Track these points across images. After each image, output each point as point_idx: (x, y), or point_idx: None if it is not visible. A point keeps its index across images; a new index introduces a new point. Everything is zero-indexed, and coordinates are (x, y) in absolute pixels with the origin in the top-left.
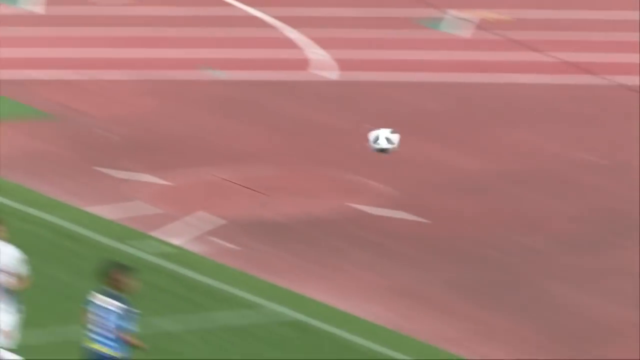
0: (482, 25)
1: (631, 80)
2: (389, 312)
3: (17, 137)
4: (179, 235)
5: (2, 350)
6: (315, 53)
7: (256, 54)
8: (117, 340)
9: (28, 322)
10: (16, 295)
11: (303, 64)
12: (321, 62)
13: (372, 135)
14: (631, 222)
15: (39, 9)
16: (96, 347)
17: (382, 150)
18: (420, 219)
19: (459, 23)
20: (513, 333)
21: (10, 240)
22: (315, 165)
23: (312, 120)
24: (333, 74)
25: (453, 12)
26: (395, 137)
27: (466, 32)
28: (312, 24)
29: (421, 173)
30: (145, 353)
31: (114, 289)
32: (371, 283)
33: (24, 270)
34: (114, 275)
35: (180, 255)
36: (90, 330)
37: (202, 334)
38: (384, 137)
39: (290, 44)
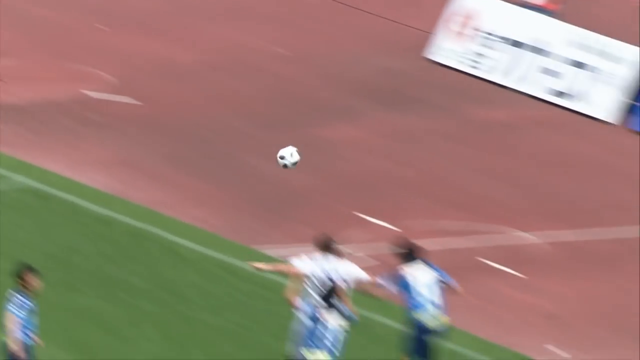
0: None
1: None
2: (114, 181)
3: None
4: None
5: None
6: None
7: None
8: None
9: None
10: None
11: None
12: None
13: (283, 152)
14: (312, 103)
15: None
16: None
17: (285, 166)
18: (138, 102)
19: None
20: (217, 198)
21: None
22: (50, 57)
23: (47, 17)
24: None
25: None
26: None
27: None
28: None
29: (138, 63)
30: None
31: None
32: (99, 157)
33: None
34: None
35: None
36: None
37: None
38: (289, 153)
39: None
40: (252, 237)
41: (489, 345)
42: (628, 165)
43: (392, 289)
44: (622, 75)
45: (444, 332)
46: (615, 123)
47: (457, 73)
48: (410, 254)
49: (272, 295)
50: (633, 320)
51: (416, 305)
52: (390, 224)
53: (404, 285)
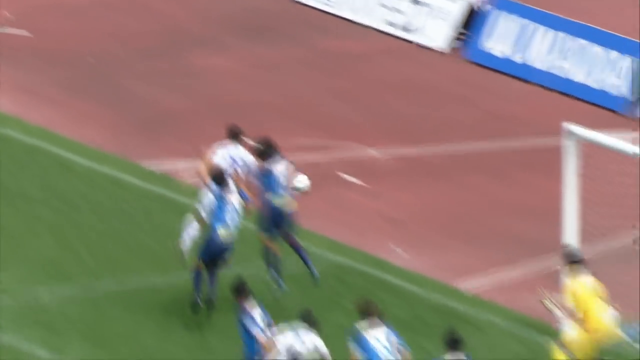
0: None
1: None
2: (12, 104)
3: None
4: None
5: None
6: None
7: None
8: None
9: None
10: None
11: None
12: None
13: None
14: (188, 37)
15: None
16: None
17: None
18: (33, 35)
19: None
20: (104, 118)
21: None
22: None
23: None
24: None
25: None
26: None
27: None
28: None
29: (35, 1)
30: None
31: None
32: (2, 84)
33: None
34: None
35: None
36: None
37: None
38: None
39: None
40: (134, 152)
41: (341, 246)
42: (460, 89)
43: (256, 180)
44: (454, 11)
45: (293, 215)
46: (448, 52)
47: (314, 10)
48: (269, 150)
49: (152, 204)
50: (464, 226)
51: (275, 191)
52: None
53: (266, 175)
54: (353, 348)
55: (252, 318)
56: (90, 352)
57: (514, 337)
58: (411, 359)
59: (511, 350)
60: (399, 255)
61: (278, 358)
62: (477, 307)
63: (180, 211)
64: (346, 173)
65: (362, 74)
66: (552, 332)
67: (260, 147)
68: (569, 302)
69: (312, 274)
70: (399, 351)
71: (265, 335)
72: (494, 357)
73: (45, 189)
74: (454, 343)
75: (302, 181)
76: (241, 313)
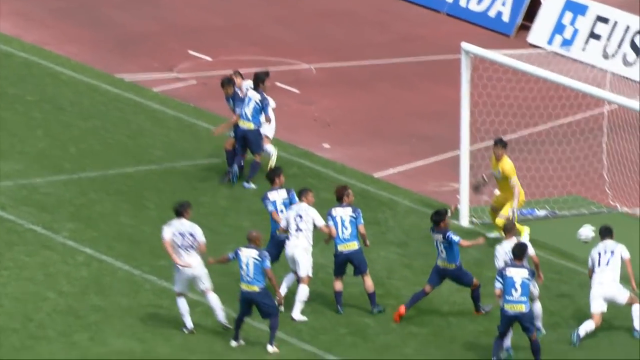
0: None
1: None
2: (11, 27)
3: None
4: None
5: None
6: None
7: None
8: None
9: None
10: None
11: None
12: None
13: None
14: None
15: None
16: None
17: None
18: None
19: None
20: (84, 38)
21: None
22: None
23: None
24: None
25: None
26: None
27: None
28: None
29: None
30: None
31: None
32: (3, 11)
33: None
34: None
35: None
36: None
37: None
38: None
39: None
40: (111, 66)
41: (281, 143)
42: (378, 15)
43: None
44: None
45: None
46: None
47: None
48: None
49: (125, 107)
50: (379, 127)
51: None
52: (210, 57)
53: (235, 98)
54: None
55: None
56: (75, 227)
57: (417, 214)
58: (364, 232)
59: (415, 224)
60: (327, 150)
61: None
62: (389, 191)
63: (148, 113)
64: (283, 83)
65: (298, 3)
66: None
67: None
68: (512, 175)
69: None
70: (354, 225)
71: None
72: (402, 228)
73: (38, 95)
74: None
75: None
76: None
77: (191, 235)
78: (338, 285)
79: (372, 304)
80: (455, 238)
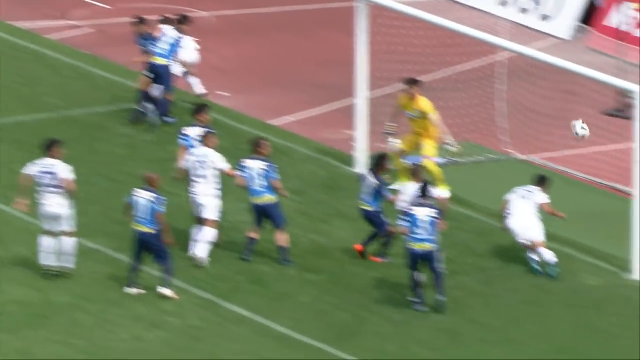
0: None
1: None
2: None
3: None
4: None
5: None
6: None
7: None
8: None
9: None
10: None
11: None
12: None
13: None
14: None
15: None
16: None
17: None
18: None
19: None
20: None
21: None
22: None
23: None
24: None
25: None
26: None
27: None
28: None
29: None
30: None
31: None
32: None
33: None
34: None
35: None
36: None
37: None
38: (579, 126)
39: None
40: (6, 14)
41: (179, 90)
42: None
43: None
44: None
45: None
46: None
47: None
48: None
49: (21, 54)
50: (276, 75)
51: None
52: (108, 5)
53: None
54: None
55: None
56: None
57: (314, 162)
58: (279, 186)
59: (312, 171)
60: (225, 98)
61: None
62: (286, 138)
63: (44, 61)
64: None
65: None
66: (344, 158)
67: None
68: (431, 111)
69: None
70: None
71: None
72: (298, 176)
73: None
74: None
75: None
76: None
77: (52, 173)
78: (252, 233)
79: (283, 258)
80: (388, 194)
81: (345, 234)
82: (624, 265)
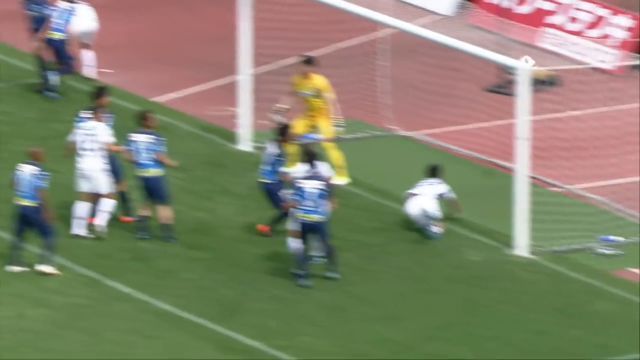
0: None
1: None
2: None
3: None
4: None
5: None
6: None
7: None
8: None
9: None
10: None
11: None
12: None
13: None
14: None
15: None
16: None
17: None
18: None
19: None
20: None
21: None
22: None
23: None
24: None
25: None
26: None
27: None
28: None
29: None
30: None
31: None
32: None
33: None
34: None
35: None
36: None
37: None
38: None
39: None
40: None
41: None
42: None
43: None
44: None
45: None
46: None
47: None
48: None
49: None
50: (160, 51)
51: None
52: None
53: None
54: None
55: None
56: None
57: (198, 139)
58: (164, 159)
59: (196, 149)
60: (107, 74)
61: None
62: (170, 115)
63: None
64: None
65: None
66: (228, 135)
67: None
68: (328, 90)
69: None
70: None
71: None
72: (182, 153)
73: None
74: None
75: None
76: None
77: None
78: (143, 210)
79: (167, 235)
80: (282, 169)
81: (230, 212)
82: (507, 241)
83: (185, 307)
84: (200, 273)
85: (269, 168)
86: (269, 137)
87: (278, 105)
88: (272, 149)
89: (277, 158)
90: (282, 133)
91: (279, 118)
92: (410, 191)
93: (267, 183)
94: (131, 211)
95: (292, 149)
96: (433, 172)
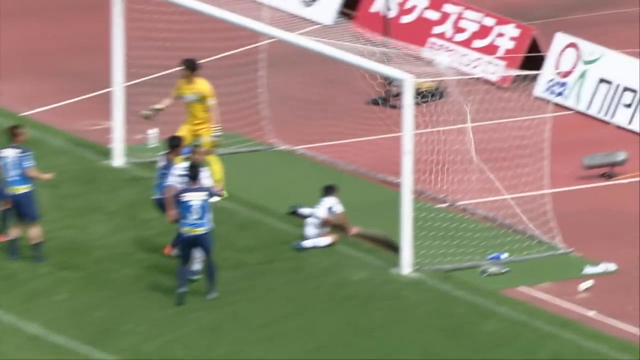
0: None
1: None
2: None
3: None
4: None
5: None
6: None
7: None
8: None
9: None
10: None
11: None
12: None
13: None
14: None
15: None
16: None
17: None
18: None
19: None
20: None
21: None
22: None
23: None
24: None
25: None
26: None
27: None
28: None
29: None
30: None
31: None
32: None
33: None
34: None
35: None
36: None
37: None
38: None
39: None
40: None
41: None
42: None
43: None
44: None
45: None
46: None
47: None
48: None
49: None
50: (32, 63)
51: None
52: None
53: None
54: None
55: None
56: None
57: (68, 154)
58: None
59: (66, 164)
60: None
61: None
62: (38, 129)
63: None
64: None
65: None
66: (101, 150)
67: None
68: (212, 95)
69: None
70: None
71: None
72: (52, 169)
73: None
74: None
75: None
76: None
77: None
78: (13, 231)
79: (36, 255)
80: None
81: (102, 229)
82: (392, 259)
83: (56, 330)
84: (71, 294)
85: (158, 182)
86: (160, 151)
87: (150, 107)
88: (161, 162)
89: (164, 171)
90: (171, 145)
91: (147, 113)
92: (304, 212)
93: (159, 199)
94: (6, 230)
95: (179, 161)
96: (328, 192)
